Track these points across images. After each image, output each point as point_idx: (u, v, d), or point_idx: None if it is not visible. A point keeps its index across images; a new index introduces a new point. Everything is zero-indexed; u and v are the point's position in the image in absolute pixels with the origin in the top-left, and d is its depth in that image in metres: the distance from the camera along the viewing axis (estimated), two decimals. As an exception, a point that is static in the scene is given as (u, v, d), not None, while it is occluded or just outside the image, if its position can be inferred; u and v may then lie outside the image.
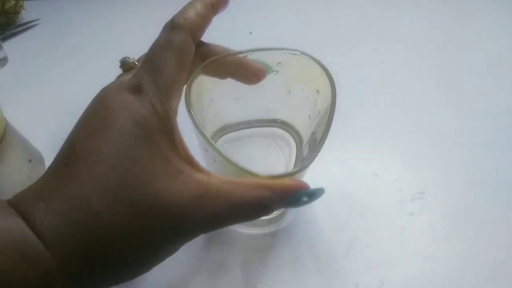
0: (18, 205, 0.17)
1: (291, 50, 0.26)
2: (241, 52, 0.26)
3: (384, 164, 0.35)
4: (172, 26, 0.22)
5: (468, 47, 0.51)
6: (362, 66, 0.47)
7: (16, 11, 0.60)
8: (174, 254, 0.20)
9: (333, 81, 0.24)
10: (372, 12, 0.61)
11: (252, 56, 0.26)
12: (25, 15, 0.62)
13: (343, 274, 0.27)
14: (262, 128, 0.31)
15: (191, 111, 0.22)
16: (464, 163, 0.35)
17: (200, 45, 0.24)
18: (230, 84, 0.26)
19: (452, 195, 0.32)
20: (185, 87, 0.23)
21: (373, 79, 0.45)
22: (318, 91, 0.26)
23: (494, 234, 0.29)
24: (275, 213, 0.30)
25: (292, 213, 0.31)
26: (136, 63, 0.24)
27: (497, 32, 0.55)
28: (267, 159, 0.31)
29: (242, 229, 0.30)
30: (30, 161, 0.34)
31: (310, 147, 0.26)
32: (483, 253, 0.28)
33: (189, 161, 0.20)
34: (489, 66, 0.47)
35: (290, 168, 0.29)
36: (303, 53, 0.26)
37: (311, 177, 0.24)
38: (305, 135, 0.27)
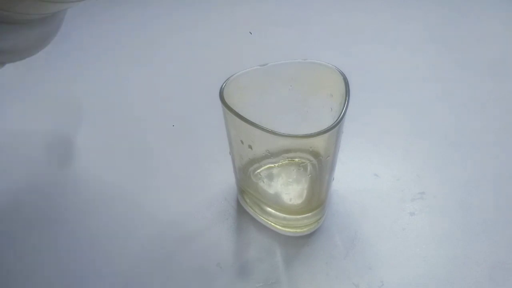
0: None
1: (300, 59, 0.28)
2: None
3: (384, 164, 0.35)
4: None
5: (468, 47, 0.51)
6: (362, 66, 0.47)
7: (15, 11, 0.59)
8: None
9: (345, 76, 0.26)
10: (371, 12, 0.61)
11: (264, 70, 0.28)
12: (25, 15, 0.62)
13: (343, 274, 0.27)
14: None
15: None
16: (464, 163, 0.35)
17: None
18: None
19: (452, 195, 0.32)
20: (221, 85, 0.25)
21: (373, 79, 0.45)
22: (331, 95, 0.27)
23: (494, 234, 0.29)
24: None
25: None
26: None
27: (497, 32, 0.55)
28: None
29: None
30: None
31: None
32: (483, 253, 0.28)
33: None
34: (489, 66, 0.47)
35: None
36: (311, 60, 0.28)
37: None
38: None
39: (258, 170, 0.29)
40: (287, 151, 0.27)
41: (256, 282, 0.27)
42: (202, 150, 0.37)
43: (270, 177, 0.29)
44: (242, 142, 0.26)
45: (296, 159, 0.28)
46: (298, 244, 0.29)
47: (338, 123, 0.23)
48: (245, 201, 0.31)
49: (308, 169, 0.28)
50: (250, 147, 0.26)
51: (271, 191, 0.29)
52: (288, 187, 0.30)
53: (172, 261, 0.28)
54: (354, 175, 0.34)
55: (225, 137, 0.28)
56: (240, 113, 0.24)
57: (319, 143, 0.25)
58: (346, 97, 0.25)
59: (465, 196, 0.32)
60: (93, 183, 0.35)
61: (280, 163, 0.29)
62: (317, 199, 0.29)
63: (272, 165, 0.29)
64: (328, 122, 0.24)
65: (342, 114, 0.24)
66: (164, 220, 0.31)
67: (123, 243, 0.30)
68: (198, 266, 0.28)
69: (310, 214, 0.29)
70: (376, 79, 0.45)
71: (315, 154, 0.27)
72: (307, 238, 0.29)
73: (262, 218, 0.30)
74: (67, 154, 0.38)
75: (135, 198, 0.33)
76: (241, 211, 0.31)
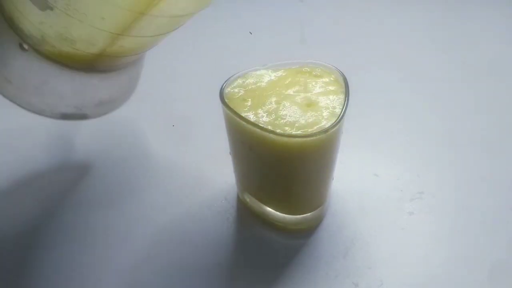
0: None
1: (301, 60, 0.29)
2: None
3: (384, 164, 0.35)
4: None
5: (467, 48, 0.51)
6: (362, 66, 0.47)
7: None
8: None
9: (345, 77, 0.27)
10: (371, 12, 0.61)
11: (267, 70, 0.28)
12: (25, 15, 0.62)
13: (343, 274, 0.27)
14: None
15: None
16: (464, 163, 0.35)
17: None
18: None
19: (451, 195, 0.32)
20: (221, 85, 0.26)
21: (372, 79, 0.45)
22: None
23: (494, 234, 0.29)
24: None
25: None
26: None
27: (497, 32, 0.55)
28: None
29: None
30: None
31: None
32: (483, 253, 0.28)
33: None
34: (489, 67, 0.47)
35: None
36: (311, 61, 0.28)
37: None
38: None
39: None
40: None
41: (256, 281, 0.27)
42: (202, 150, 0.37)
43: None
44: (242, 142, 0.26)
45: None
46: (298, 244, 0.29)
47: (337, 123, 0.23)
48: (245, 201, 0.31)
49: None
50: (250, 147, 0.26)
51: None
52: None
53: (172, 261, 0.28)
54: (354, 175, 0.34)
55: (225, 137, 0.28)
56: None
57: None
58: (346, 97, 0.25)
59: (464, 196, 0.32)
60: (93, 183, 0.35)
61: None
62: (317, 199, 0.29)
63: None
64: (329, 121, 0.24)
65: (342, 114, 0.24)
66: (164, 220, 0.31)
67: (123, 242, 0.30)
68: (198, 265, 0.28)
69: (310, 214, 0.29)
70: (376, 79, 0.45)
71: None
72: (307, 237, 0.29)
73: (262, 218, 0.30)
74: (66, 154, 0.38)
75: (135, 198, 0.33)
76: (241, 211, 0.31)
